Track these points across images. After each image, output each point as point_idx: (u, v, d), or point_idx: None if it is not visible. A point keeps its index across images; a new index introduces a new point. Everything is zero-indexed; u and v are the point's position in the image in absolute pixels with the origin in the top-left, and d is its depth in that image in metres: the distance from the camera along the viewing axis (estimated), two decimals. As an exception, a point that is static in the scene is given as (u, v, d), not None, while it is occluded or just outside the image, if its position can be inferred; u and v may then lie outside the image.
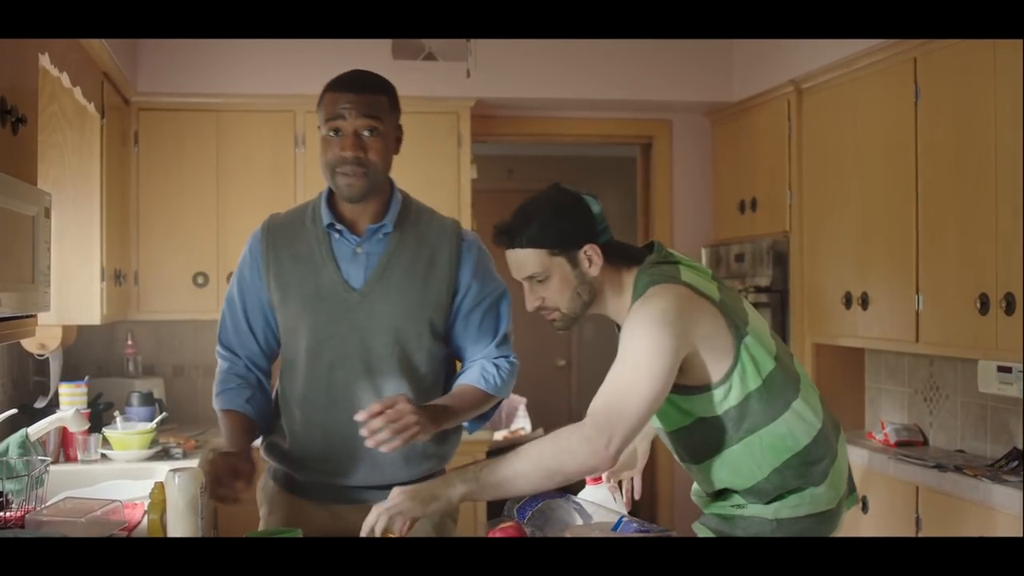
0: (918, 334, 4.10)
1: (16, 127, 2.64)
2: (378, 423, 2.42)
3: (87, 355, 5.28)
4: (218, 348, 2.86)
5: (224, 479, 2.48)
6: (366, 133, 2.61)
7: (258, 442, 2.84)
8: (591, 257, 2.51)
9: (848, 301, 4.51)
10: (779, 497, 2.50)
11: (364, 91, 2.64)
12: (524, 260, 2.51)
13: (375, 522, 2.32)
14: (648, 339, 2.35)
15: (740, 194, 5.44)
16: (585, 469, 2.40)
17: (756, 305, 5.05)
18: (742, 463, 2.49)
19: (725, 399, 2.44)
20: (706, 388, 2.44)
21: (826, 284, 4.73)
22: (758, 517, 2.52)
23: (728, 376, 2.42)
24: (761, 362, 2.46)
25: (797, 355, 4.63)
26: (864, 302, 4.41)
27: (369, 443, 2.44)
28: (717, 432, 2.47)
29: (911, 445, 4.44)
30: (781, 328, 5.01)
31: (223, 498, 2.48)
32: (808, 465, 2.49)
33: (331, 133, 2.62)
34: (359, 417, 2.44)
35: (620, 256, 2.57)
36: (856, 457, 4.38)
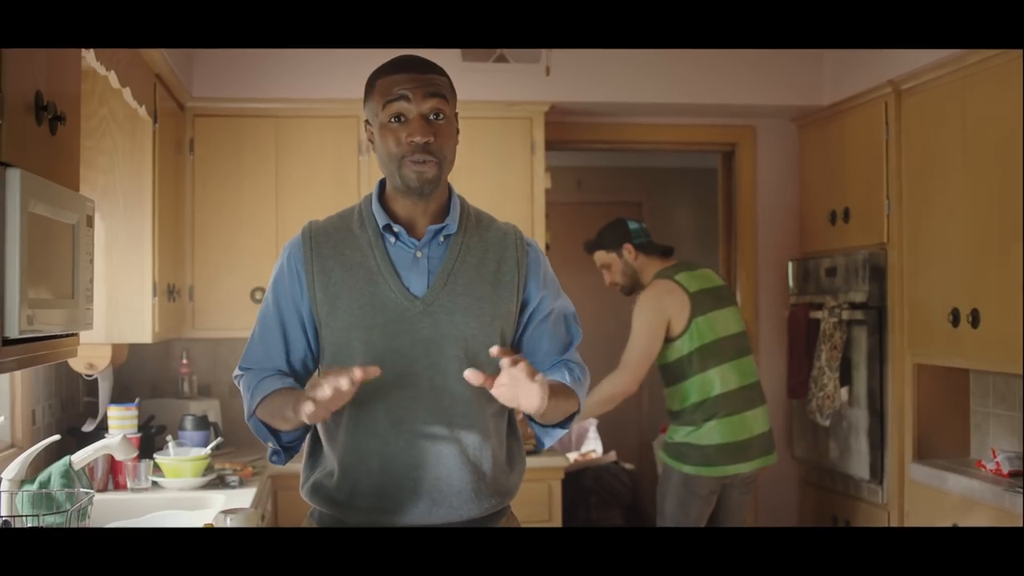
0: (1039, 355, 3.75)
1: (54, 126, 2.38)
2: (521, 369, 2.17)
3: (139, 375, 5.04)
4: (236, 372, 2.57)
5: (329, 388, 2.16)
6: (433, 117, 2.36)
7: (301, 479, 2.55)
8: (628, 252, 4.55)
9: (955, 319, 4.16)
10: (679, 425, 4.38)
11: (425, 71, 2.40)
12: (597, 257, 4.66)
13: None
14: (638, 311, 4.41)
15: (830, 204, 5.10)
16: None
17: (851, 323, 4.75)
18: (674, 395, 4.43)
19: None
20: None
21: (930, 300, 4.38)
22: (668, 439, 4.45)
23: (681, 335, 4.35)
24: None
25: (896, 376, 4.64)
26: (974, 320, 4.05)
27: (498, 382, 2.21)
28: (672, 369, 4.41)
29: (1026, 475, 4.09)
30: (879, 348, 4.67)
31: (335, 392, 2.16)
32: (696, 413, 4.33)
33: (393, 120, 2.36)
34: (495, 352, 2.19)
35: (654, 252, 4.58)
36: (963, 487, 4.10)
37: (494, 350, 2.20)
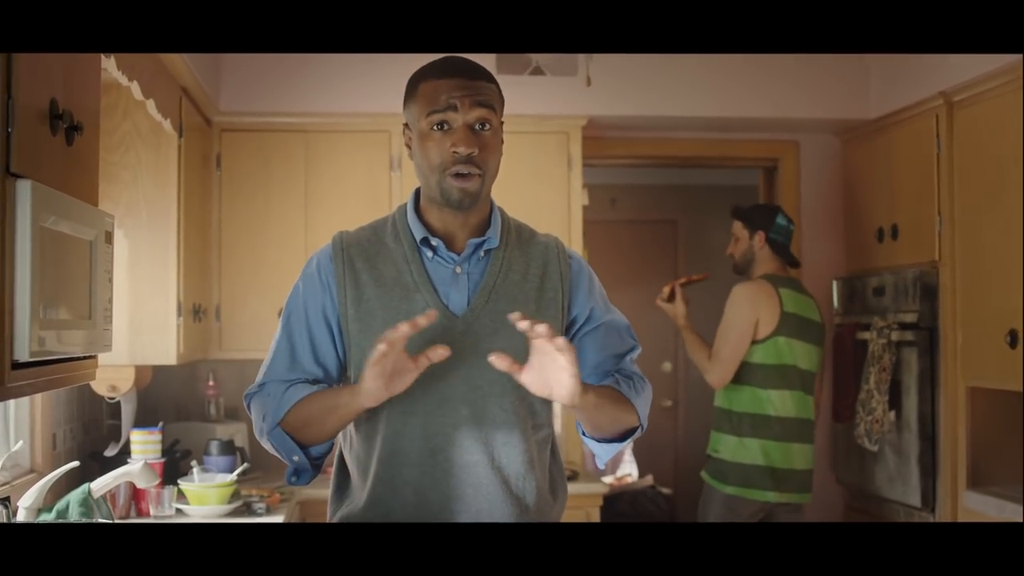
0: (1106, 379, 3.56)
1: (71, 136, 2.24)
2: (542, 333, 2.00)
3: (164, 397, 4.91)
4: (251, 389, 2.39)
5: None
6: (478, 127, 2.21)
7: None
8: (759, 238, 4.54)
9: (1012, 339, 3.97)
10: (723, 433, 4.43)
11: (475, 77, 2.24)
12: (734, 225, 4.63)
13: None
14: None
15: (878, 220, 4.93)
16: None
17: (900, 344, 4.58)
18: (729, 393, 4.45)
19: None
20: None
21: (985, 320, 4.19)
22: (712, 451, 4.48)
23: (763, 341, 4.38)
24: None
25: (948, 400, 4.46)
26: (1033, 341, 3.87)
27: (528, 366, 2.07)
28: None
29: (1088, 505, 3.90)
30: (930, 370, 4.48)
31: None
32: (744, 423, 4.36)
33: (436, 128, 2.20)
34: (514, 317, 2.03)
35: (781, 254, 4.57)
36: (1021, 516, 3.89)
37: (514, 316, 2.04)
